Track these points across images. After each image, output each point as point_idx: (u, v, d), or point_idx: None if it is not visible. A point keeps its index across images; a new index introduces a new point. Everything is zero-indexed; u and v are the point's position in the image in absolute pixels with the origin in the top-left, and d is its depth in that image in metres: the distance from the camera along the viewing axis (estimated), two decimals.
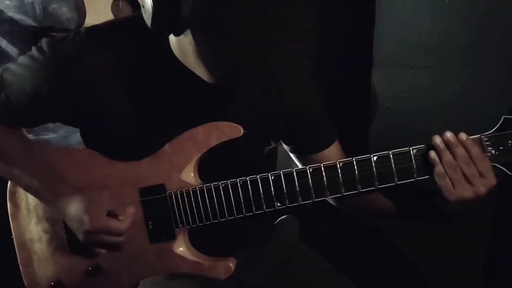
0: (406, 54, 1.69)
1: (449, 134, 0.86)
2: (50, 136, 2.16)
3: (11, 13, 2.20)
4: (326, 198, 0.94)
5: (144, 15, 0.87)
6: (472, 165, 0.85)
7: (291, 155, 1.15)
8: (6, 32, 2.21)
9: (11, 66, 0.99)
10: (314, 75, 1.18)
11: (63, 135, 2.14)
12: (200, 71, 0.88)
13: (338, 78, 1.94)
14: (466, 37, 1.51)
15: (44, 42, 0.97)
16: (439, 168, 0.86)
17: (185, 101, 0.98)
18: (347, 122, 1.77)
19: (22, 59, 0.98)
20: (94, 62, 0.94)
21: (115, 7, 2.16)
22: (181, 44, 0.89)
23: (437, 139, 0.86)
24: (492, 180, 0.87)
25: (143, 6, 0.87)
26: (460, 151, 0.85)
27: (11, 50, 2.24)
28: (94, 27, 0.98)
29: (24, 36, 2.23)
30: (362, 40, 1.86)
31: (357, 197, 0.95)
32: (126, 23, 1.02)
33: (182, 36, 0.86)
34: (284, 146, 1.15)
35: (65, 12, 2.26)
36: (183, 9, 0.82)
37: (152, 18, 0.84)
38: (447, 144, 0.86)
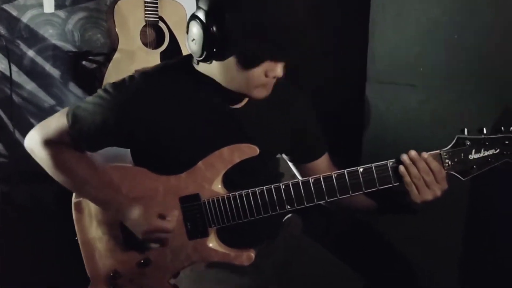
0: (397, 72, 1.81)
1: (413, 153, 1.10)
2: None
3: (54, 41, 2.45)
4: (325, 201, 1.16)
5: (192, 47, 1.08)
6: (431, 175, 1.09)
7: (289, 163, 1.39)
8: (49, 57, 2.47)
9: (82, 104, 1.20)
10: (313, 89, 1.39)
11: None
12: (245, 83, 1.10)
13: (334, 92, 2.08)
14: (449, 60, 1.62)
15: (107, 85, 1.20)
16: (407, 179, 1.10)
17: (216, 125, 1.21)
18: (342, 132, 1.95)
19: (90, 99, 1.20)
20: (147, 99, 1.17)
21: (143, 33, 2.34)
22: (227, 68, 1.09)
23: (405, 157, 1.10)
24: (445, 185, 1.12)
25: (193, 40, 1.08)
26: (422, 164, 1.09)
27: (54, 72, 2.50)
28: (145, 72, 1.21)
29: (64, 60, 2.48)
30: (357, 57, 1.97)
31: (347, 200, 1.17)
32: (168, 66, 1.24)
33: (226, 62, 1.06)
34: (284, 156, 1.38)
35: (99, 38, 2.49)
36: (228, 40, 1.02)
37: (202, 49, 1.05)
38: (413, 160, 1.10)
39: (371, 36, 1.89)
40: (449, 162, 1.11)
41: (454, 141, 1.11)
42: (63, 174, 1.22)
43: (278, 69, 1.09)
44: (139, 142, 1.21)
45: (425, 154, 1.10)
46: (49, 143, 1.21)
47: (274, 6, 1.03)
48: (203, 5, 1.06)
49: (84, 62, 2.52)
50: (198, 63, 1.17)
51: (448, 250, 1.67)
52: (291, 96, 1.31)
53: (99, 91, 1.20)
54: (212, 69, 1.14)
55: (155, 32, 2.38)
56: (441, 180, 1.11)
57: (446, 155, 1.11)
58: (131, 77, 1.20)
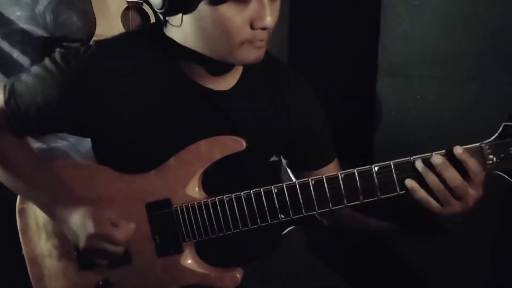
0: (412, 63, 1.68)
1: (435, 158, 0.85)
2: (61, 144, 2.20)
3: (22, 24, 2.25)
4: (327, 210, 0.93)
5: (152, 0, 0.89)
6: (460, 186, 0.84)
7: (288, 169, 1.16)
8: (17, 43, 2.26)
9: (23, 76, 1.00)
10: (315, 84, 1.20)
11: (73, 143, 2.17)
12: (216, 45, 0.90)
13: (342, 86, 1.96)
14: (474, 47, 1.50)
15: (57, 53, 0.99)
16: (420, 194, 0.86)
17: (194, 111, 1.00)
18: (350, 132, 1.82)
19: (35, 69, 0.99)
20: (104, 75, 0.96)
21: (124, 17, 2.17)
22: (198, 20, 0.89)
23: (419, 164, 0.86)
24: (480, 192, 0.87)
25: None
26: (449, 173, 0.84)
27: (23, 60, 2.29)
28: (104, 41, 1.00)
29: (35, 46, 2.28)
30: (367, 47, 1.86)
31: (351, 212, 0.96)
32: (134, 36, 1.04)
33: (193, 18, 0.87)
34: (282, 160, 1.16)
35: (75, 22, 2.30)
36: None
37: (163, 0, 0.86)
38: (436, 167, 0.85)
39: (382, 23, 1.77)
40: (494, 159, 0.86)
41: (500, 130, 0.86)
42: None
43: (267, 17, 0.86)
44: (93, 130, 1.01)
45: (458, 149, 0.84)
46: None
47: None
48: None
49: (57, 49, 2.35)
50: (166, 25, 0.97)
51: (472, 271, 1.51)
52: (294, 84, 1.11)
53: (46, 60, 0.99)
54: (185, 34, 0.93)
55: (139, 16, 2.22)
56: (478, 185, 0.86)
57: (489, 149, 0.86)
58: (87, 46, 0.99)
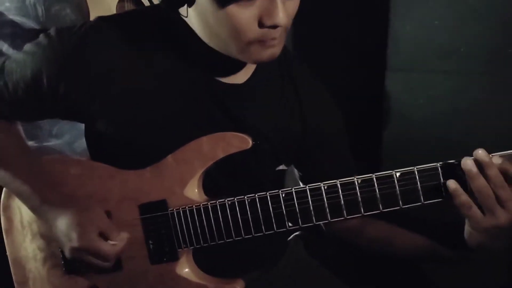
0: (423, 58, 1.63)
1: (482, 154, 0.75)
2: (55, 142, 2.12)
3: (12, 16, 2.17)
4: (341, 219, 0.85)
5: None
6: (506, 188, 0.75)
7: (300, 183, 1.07)
8: (7, 35, 2.17)
9: (14, 54, 0.95)
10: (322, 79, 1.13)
11: (67, 141, 2.09)
12: (227, 33, 0.79)
13: (350, 82, 1.90)
14: (489, 40, 1.45)
15: (52, 29, 0.91)
16: (462, 199, 0.76)
17: (196, 104, 0.91)
18: (358, 131, 1.72)
19: (27, 46, 0.93)
20: (100, 52, 0.87)
21: (120, 8, 2.10)
22: (202, 14, 0.80)
23: (469, 162, 0.75)
24: None
25: None
26: (494, 172, 0.74)
27: (12, 53, 2.21)
28: (103, 17, 0.92)
29: (26, 39, 2.19)
30: (376, 42, 1.80)
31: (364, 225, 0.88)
32: (139, 12, 0.96)
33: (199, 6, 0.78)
34: (295, 172, 1.07)
35: (68, 13, 2.22)
36: None
37: None
38: (483, 165, 0.75)
39: (392, 14, 1.72)
40: None
41: None
42: None
43: (279, 12, 0.75)
44: (84, 115, 0.92)
45: (498, 159, 0.76)
46: None
47: None
48: None
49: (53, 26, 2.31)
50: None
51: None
52: (310, 83, 1.02)
53: (40, 36, 0.92)
54: (194, 26, 0.84)
55: (135, 6, 2.11)
56: None
57: None
58: (85, 22, 0.92)
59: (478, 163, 0.76)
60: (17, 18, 2.18)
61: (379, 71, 1.77)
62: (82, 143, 1.06)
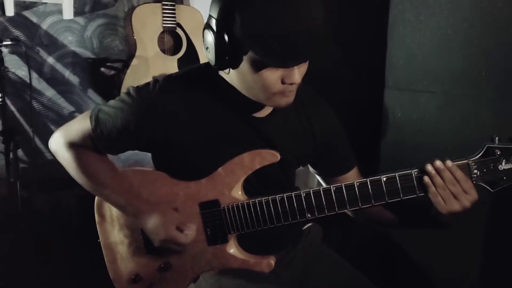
0: (416, 80, 1.77)
1: (438, 162, 1.05)
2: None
3: (73, 47, 2.47)
4: (346, 211, 1.15)
5: (208, 55, 1.09)
6: (457, 185, 1.04)
7: (317, 176, 1.36)
8: (69, 64, 2.48)
9: (104, 108, 1.20)
10: (329, 95, 1.32)
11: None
12: (262, 87, 1.07)
13: (353, 98, 2.04)
14: (469, 66, 1.56)
15: (131, 88, 1.20)
16: (432, 189, 1.06)
17: (239, 132, 1.20)
18: (360, 139, 1.80)
19: (113, 102, 1.21)
20: (169, 104, 1.16)
21: (160, 40, 2.34)
22: (241, 74, 1.07)
23: (429, 167, 1.06)
24: (474, 195, 1.06)
25: (207, 48, 1.08)
26: (447, 174, 1.04)
27: (73, 79, 2.51)
28: (169, 77, 1.21)
29: (83, 66, 2.50)
30: (375, 63, 1.93)
31: (370, 211, 1.14)
32: (192, 72, 1.23)
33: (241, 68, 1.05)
34: (311, 169, 1.36)
35: (117, 45, 2.50)
36: (237, 47, 1.01)
37: (215, 57, 1.05)
38: (437, 170, 1.05)
39: (389, 42, 1.86)
40: (477, 173, 1.06)
41: (483, 150, 1.05)
42: (85, 176, 1.24)
43: (296, 75, 1.06)
44: (159, 147, 1.21)
45: (449, 163, 1.05)
46: (72, 145, 1.24)
47: (280, 14, 1.00)
48: (213, 13, 1.05)
49: (102, 69, 2.55)
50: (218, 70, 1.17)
51: (468, 262, 1.63)
52: (316, 107, 1.29)
53: (122, 95, 1.20)
54: (232, 78, 1.14)
55: (172, 39, 2.39)
56: (469, 190, 1.05)
57: (474, 165, 1.06)
58: (155, 81, 1.20)
59: (436, 167, 1.06)
60: (77, 49, 2.50)
61: (378, 89, 1.92)
62: (125, 154, 1.32)
